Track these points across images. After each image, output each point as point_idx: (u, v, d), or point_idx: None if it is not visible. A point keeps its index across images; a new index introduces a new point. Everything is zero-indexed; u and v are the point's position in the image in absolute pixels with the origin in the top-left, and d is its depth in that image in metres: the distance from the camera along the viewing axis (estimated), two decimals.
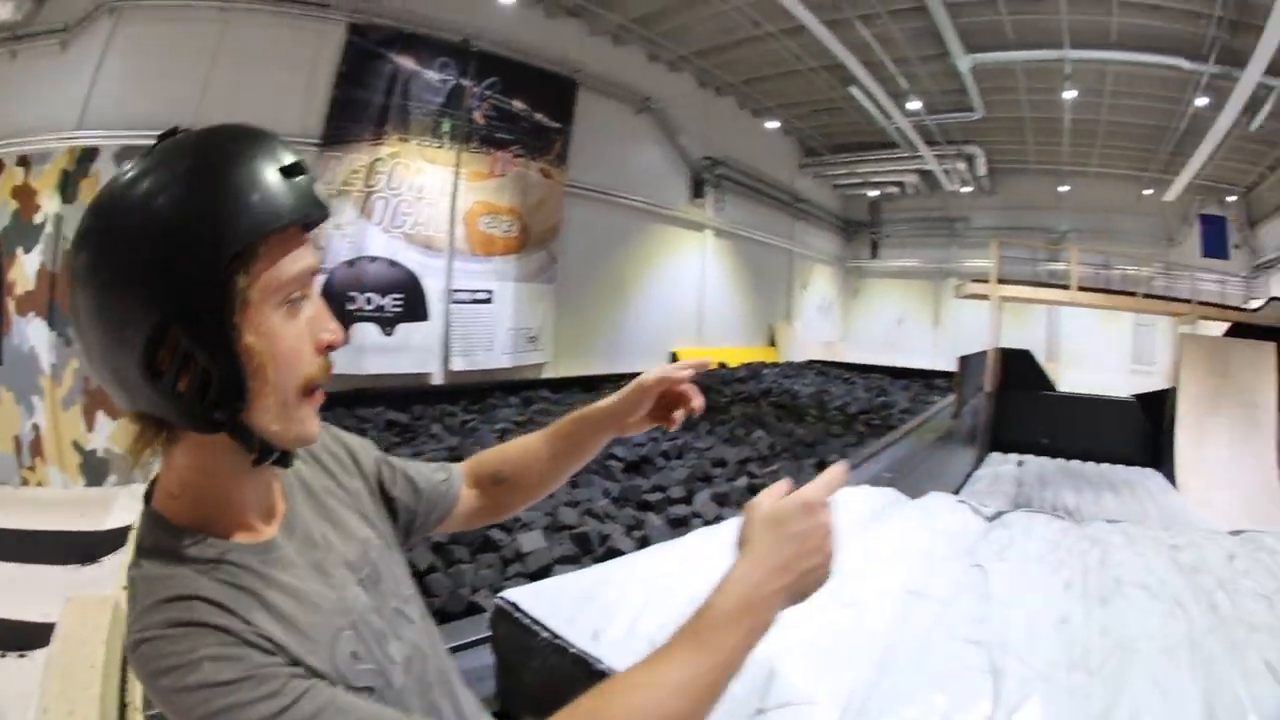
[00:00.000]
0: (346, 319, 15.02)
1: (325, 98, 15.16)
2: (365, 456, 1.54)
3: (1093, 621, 3.61)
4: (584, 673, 3.21)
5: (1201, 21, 17.25)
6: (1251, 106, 19.43)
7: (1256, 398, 18.27)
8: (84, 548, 8.25)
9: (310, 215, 1.10)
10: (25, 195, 13.98)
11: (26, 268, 13.89)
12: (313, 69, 15.04)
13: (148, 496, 1.20)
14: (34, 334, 13.87)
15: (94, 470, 13.75)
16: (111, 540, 8.18)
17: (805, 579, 1.19)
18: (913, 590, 3.85)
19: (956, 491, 13.77)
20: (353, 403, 14.05)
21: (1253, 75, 16.78)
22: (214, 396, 1.05)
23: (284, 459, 1.19)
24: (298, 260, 1.09)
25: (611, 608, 3.47)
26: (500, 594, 3.65)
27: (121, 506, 9.43)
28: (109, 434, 13.64)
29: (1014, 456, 17.05)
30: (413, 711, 1.25)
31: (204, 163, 1.04)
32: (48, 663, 3.65)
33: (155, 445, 1.13)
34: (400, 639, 1.32)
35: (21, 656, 6.19)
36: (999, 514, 5.67)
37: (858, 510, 5.32)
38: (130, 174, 1.04)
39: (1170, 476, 16.44)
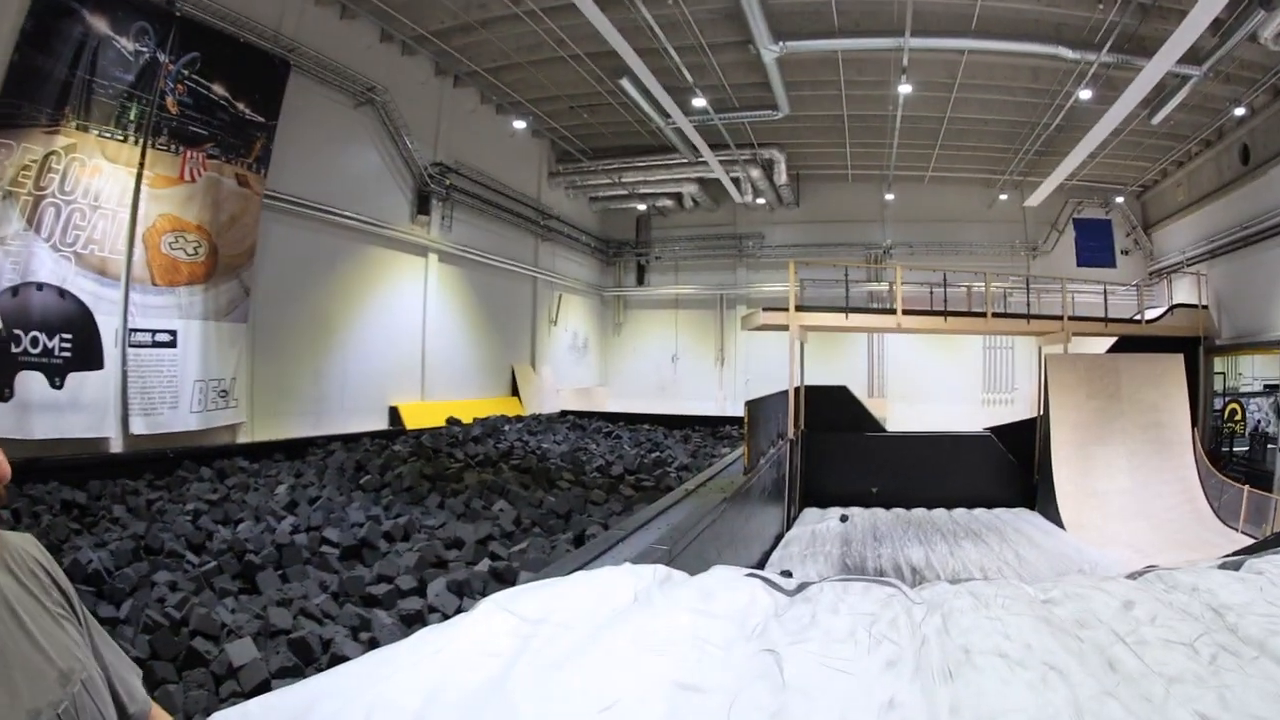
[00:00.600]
0: (9, 366, 14.34)
1: (2, 64, 14.28)
2: (80, 608, 1.71)
3: (937, 701, 3.86)
4: None
5: (1100, 6, 18.34)
6: (1156, 99, 20.80)
7: (1162, 416, 19.27)
8: None
9: None
10: None
11: None
12: None
13: None
14: None
15: None
16: None
17: None
18: (685, 684, 3.99)
19: (764, 558, 14.15)
20: (21, 477, 13.40)
21: (1162, 64, 17.71)
22: None
23: None
24: None
25: None
26: None
27: None
28: None
29: (836, 510, 17.61)
30: None
31: None
32: None
33: None
34: None
35: None
36: (802, 586, 5.78)
37: (618, 593, 5.35)
38: None
39: (1052, 516, 17.14)
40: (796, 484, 18.29)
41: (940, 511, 17.99)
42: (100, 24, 15.48)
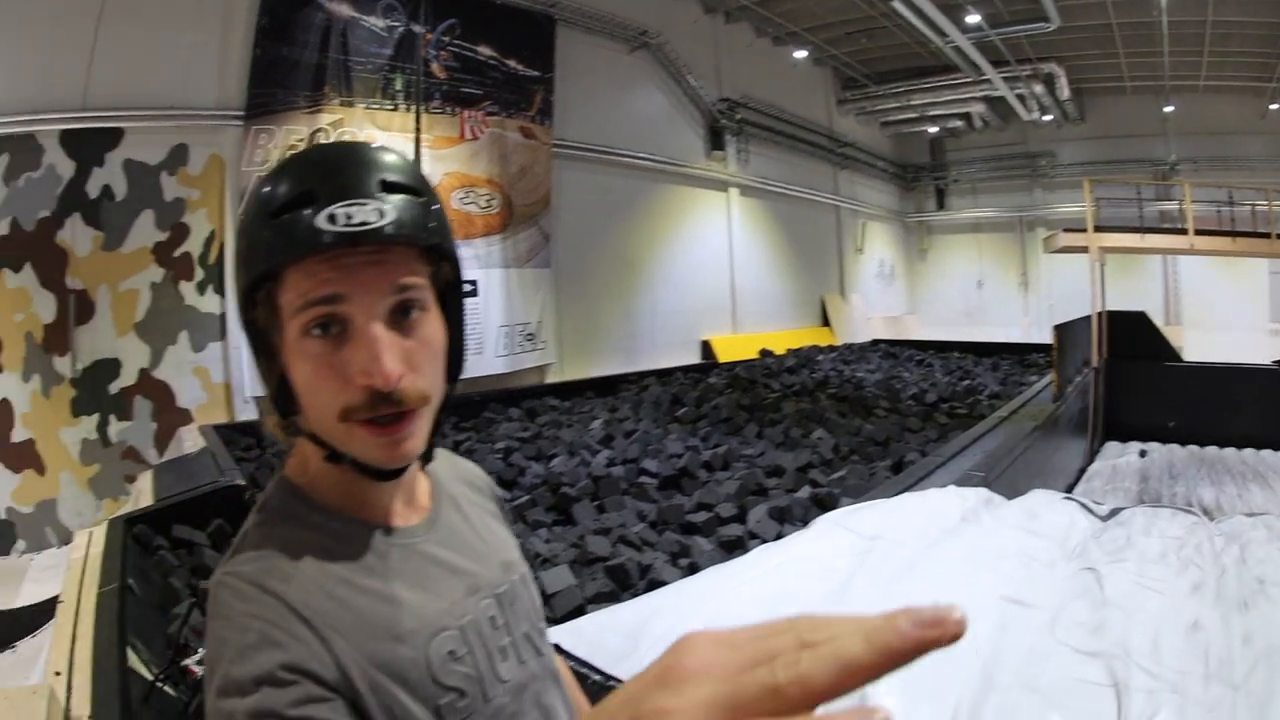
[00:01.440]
0: None
1: (244, 59, 15.10)
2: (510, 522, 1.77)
3: (1232, 629, 3.72)
4: None
5: None
6: None
7: None
8: None
9: (304, 254, 1.24)
10: None
11: None
12: (226, 25, 15.00)
13: (282, 465, 1.46)
14: None
15: None
16: (26, 620, 8.12)
17: None
18: (1012, 598, 4.00)
19: (1068, 491, 13.62)
20: None
21: None
22: (272, 393, 1.35)
23: (376, 472, 1.36)
24: (305, 292, 1.25)
25: (668, 641, 3.32)
26: None
27: (34, 578, 9.30)
28: (12, 491, 13.56)
29: (1135, 445, 16.87)
30: None
31: (261, 183, 1.31)
32: None
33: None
34: (521, 663, 1.48)
35: None
36: (1114, 511, 5.83)
37: (945, 514, 5.46)
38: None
39: None
40: (1099, 415, 17.41)
41: (1230, 451, 16.75)
42: (341, 8, 15.98)
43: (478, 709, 1.34)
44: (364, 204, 1.23)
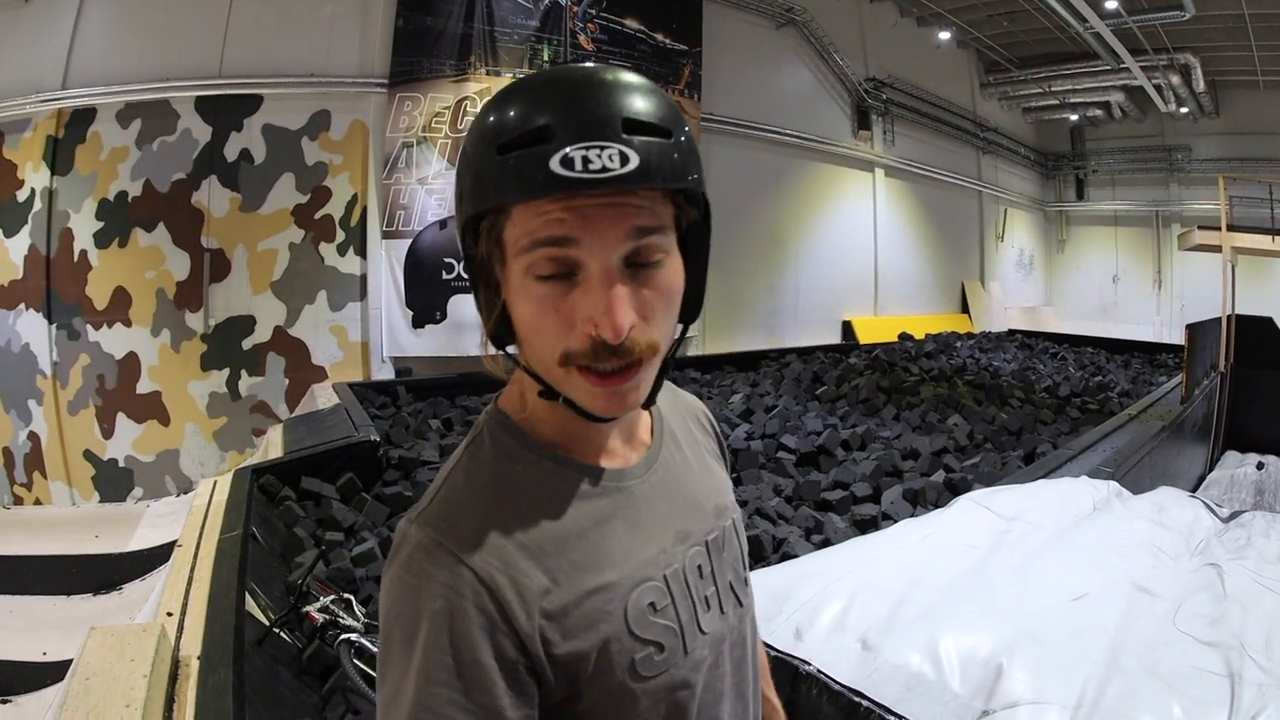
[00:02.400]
0: (442, 292, 15.52)
1: (387, 29, 15.42)
2: (729, 462, 1.73)
3: None
4: (788, 675, 3.49)
5: None
6: None
7: None
8: (97, 573, 8.36)
9: (535, 195, 1.14)
10: (1, 170, 14.36)
11: (12, 253, 14.31)
12: None
13: (497, 398, 1.42)
14: (27, 329, 14.33)
15: (113, 483, 14.04)
16: (138, 564, 8.31)
17: None
18: (1140, 586, 4.11)
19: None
20: (453, 390, 14.22)
21: None
22: (490, 327, 1.29)
23: (594, 415, 1.29)
24: (534, 233, 1.16)
25: (812, 605, 3.76)
26: None
27: (150, 524, 9.41)
28: (134, 440, 13.79)
29: (1253, 456, 16.37)
30: (694, 687, 1.35)
31: (490, 110, 1.20)
32: (65, 703, 3.63)
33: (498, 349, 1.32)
34: (723, 614, 1.44)
35: (5, 703, 6.23)
36: (1236, 513, 5.89)
37: (1079, 501, 5.63)
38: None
39: None
40: (1222, 422, 16.94)
41: None
42: None
43: (676, 662, 1.31)
44: (606, 147, 1.13)
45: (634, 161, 1.13)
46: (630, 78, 1.23)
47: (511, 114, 1.16)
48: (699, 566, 1.40)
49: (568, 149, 1.11)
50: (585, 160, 1.11)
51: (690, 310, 1.37)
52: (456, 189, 1.23)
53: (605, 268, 1.17)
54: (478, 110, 1.22)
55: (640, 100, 1.18)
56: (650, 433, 1.48)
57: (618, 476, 1.35)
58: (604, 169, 1.11)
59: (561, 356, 1.20)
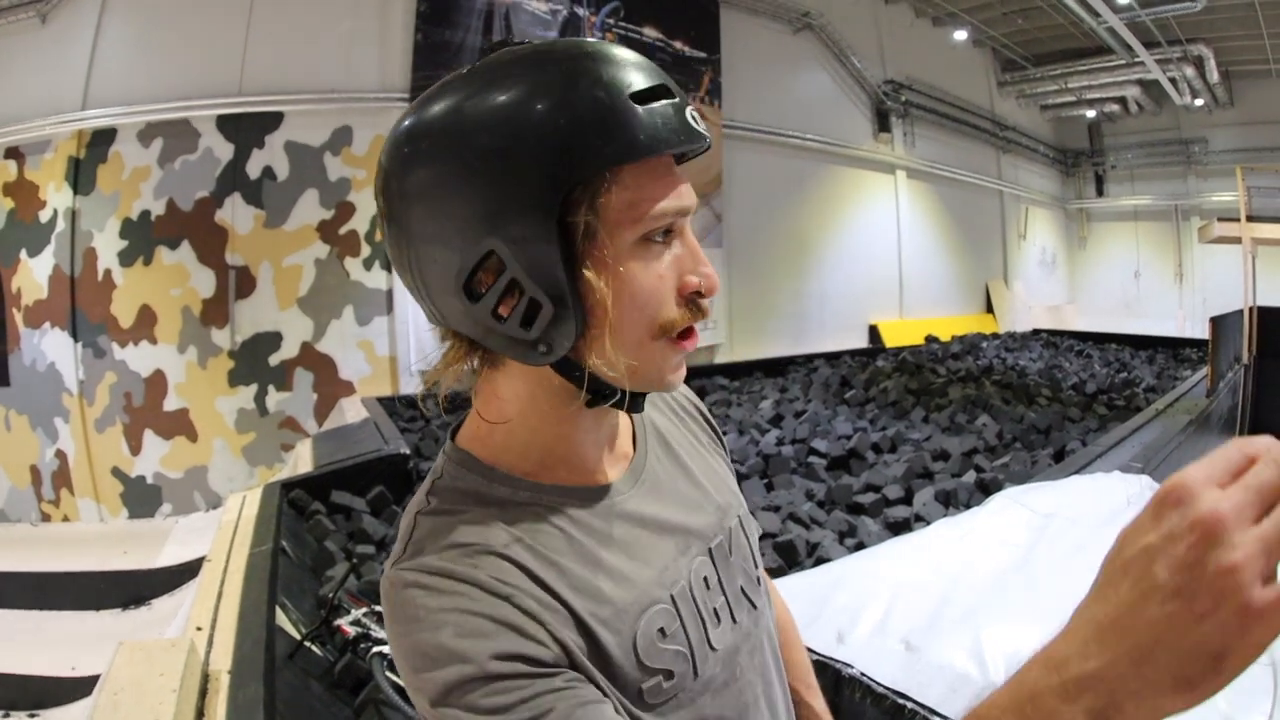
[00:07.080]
0: None
1: (406, 43, 15.43)
2: (725, 446, 1.64)
3: None
4: (830, 679, 3.44)
5: None
6: None
7: None
8: (126, 589, 8.40)
9: (675, 147, 1.12)
10: (23, 191, 14.39)
11: (35, 273, 14.35)
12: (384, 10, 15.38)
13: (452, 434, 1.30)
14: (53, 348, 14.37)
15: (141, 500, 14.09)
16: (166, 579, 8.20)
17: (1183, 655, 0.73)
18: None
19: None
20: None
21: None
22: (540, 328, 1.12)
23: (629, 402, 1.23)
24: (657, 195, 1.12)
25: (852, 608, 3.73)
26: None
27: (179, 540, 9.44)
28: (162, 457, 13.84)
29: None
30: (705, 712, 1.26)
31: (554, 79, 1.09)
32: (93, 718, 3.63)
33: (463, 367, 1.22)
34: (735, 623, 1.36)
35: (32, 716, 6.22)
36: None
37: (1113, 496, 5.60)
38: (457, 88, 1.19)
39: None
40: (1246, 415, 16.87)
41: None
42: None
43: (685, 687, 1.24)
44: (689, 107, 1.15)
45: (702, 124, 1.15)
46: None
47: (617, 72, 1.10)
48: (705, 578, 1.33)
49: (689, 107, 1.14)
50: (693, 117, 1.14)
51: None
52: (540, 149, 1.06)
53: (688, 226, 1.19)
54: (537, 69, 1.06)
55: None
56: (632, 442, 1.40)
57: (603, 494, 1.28)
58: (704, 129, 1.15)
59: (661, 326, 1.16)
